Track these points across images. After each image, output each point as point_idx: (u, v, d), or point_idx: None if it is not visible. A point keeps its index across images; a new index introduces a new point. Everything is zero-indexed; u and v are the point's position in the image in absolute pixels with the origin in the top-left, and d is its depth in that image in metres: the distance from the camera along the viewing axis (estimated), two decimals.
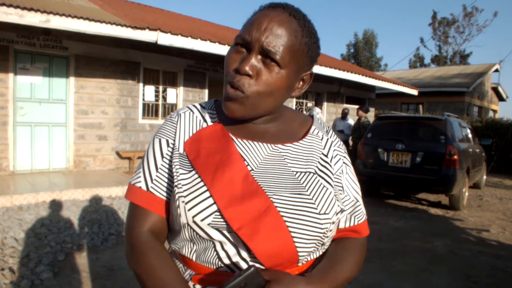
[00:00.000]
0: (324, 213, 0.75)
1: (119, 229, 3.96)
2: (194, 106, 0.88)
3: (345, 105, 11.47)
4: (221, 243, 0.73)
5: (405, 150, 5.96)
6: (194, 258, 0.77)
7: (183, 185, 0.74)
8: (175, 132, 0.83)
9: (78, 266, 3.11)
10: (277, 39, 0.72)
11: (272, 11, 0.75)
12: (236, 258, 0.73)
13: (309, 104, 11.24)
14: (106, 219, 4.23)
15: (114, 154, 7.15)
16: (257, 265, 0.72)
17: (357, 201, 0.88)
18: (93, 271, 3.04)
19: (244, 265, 0.73)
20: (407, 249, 3.99)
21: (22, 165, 6.22)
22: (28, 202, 4.64)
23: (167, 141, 0.82)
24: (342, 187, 0.85)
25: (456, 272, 3.42)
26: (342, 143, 0.94)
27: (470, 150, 6.68)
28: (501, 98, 23.29)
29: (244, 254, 0.73)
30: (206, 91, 8.44)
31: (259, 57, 0.74)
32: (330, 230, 0.78)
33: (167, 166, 0.81)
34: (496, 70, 20.39)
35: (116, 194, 5.37)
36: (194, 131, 0.82)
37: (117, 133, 7.16)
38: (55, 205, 4.57)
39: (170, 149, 0.81)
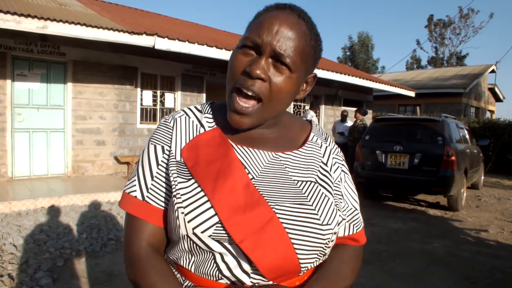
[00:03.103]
0: (327, 224, 0.74)
1: (118, 234, 3.95)
2: (190, 109, 0.84)
3: (343, 108, 11.52)
4: (221, 254, 0.70)
5: (403, 152, 5.97)
6: (193, 270, 0.74)
7: (182, 194, 0.71)
8: (171, 138, 0.78)
9: (77, 271, 3.10)
10: (289, 42, 0.70)
11: (282, 13, 0.72)
12: (236, 270, 0.70)
13: (307, 107, 11.25)
14: (105, 224, 4.22)
15: (112, 159, 7.14)
16: (259, 277, 0.71)
17: (356, 209, 0.86)
18: (92, 276, 3.03)
19: (245, 278, 0.71)
20: (406, 251, 4.00)
21: (21, 171, 6.21)
22: (27, 208, 4.63)
23: (163, 147, 0.78)
24: (342, 195, 0.83)
25: (456, 273, 3.42)
26: (340, 150, 0.92)
27: (468, 151, 6.70)
28: (498, 99, 23.40)
29: (245, 266, 0.70)
30: (204, 95, 8.45)
31: (270, 60, 0.71)
32: (332, 241, 0.76)
33: (163, 174, 0.77)
34: (493, 71, 20.51)
35: (115, 199, 5.36)
36: (191, 137, 0.78)
37: (115, 138, 7.16)
38: (54, 211, 4.56)
39: (166, 156, 0.77)
